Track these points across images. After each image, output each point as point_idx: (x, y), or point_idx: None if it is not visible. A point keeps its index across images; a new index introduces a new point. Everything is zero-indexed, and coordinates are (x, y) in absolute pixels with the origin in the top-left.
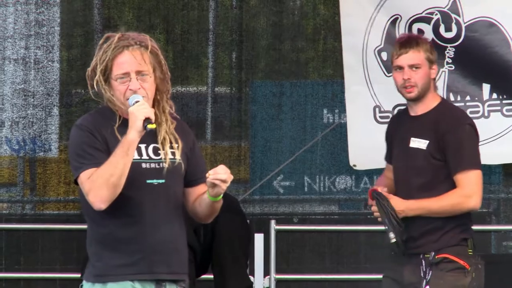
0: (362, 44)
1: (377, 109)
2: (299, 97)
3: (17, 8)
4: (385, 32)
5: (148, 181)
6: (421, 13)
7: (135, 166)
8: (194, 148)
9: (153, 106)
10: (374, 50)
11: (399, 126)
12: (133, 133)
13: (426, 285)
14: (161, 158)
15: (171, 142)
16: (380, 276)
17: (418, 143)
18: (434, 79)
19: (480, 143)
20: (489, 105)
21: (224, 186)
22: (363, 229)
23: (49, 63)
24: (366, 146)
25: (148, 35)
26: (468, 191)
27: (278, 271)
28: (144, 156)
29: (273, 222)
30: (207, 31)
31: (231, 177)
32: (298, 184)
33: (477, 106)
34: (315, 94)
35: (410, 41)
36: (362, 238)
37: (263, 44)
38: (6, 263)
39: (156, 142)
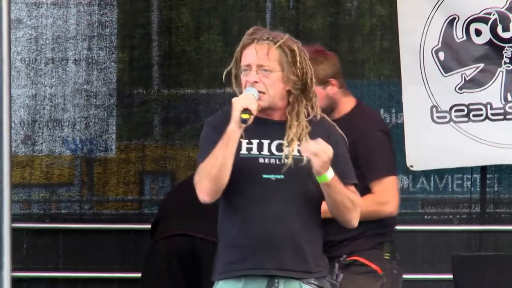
0: (419, 44)
1: (434, 109)
2: (355, 97)
3: (79, 10)
4: (442, 32)
5: (265, 176)
6: (479, 13)
7: (252, 161)
8: (336, 149)
9: (286, 109)
10: (432, 50)
11: None
12: (232, 125)
13: None
14: (283, 155)
15: (299, 141)
16: (437, 276)
17: None
18: (342, 87)
19: None
20: None
21: (318, 161)
22: (420, 229)
23: (112, 64)
24: (423, 147)
25: (206, 35)
26: (383, 198)
27: None
28: (265, 152)
29: None
30: None
31: (326, 152)
32: None
33: None
34: (371, 94)
35: None
36: (419, 238)
37: (319, 45)
38: (63, 263)
39: (283, 139)
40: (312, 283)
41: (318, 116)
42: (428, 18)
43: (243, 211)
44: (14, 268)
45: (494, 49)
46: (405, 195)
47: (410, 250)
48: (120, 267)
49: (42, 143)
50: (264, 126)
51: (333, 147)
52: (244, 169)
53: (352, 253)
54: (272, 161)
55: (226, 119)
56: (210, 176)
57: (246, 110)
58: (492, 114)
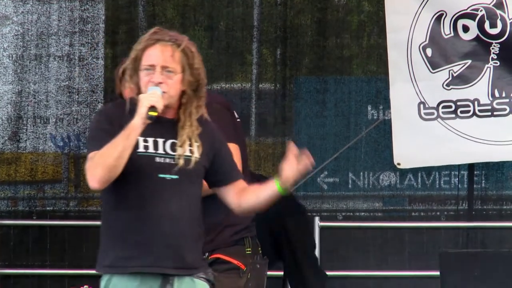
0: (407, 40)
1: (421, 106)
2: (343, 93)
3: (61, 6)
4: (429, 28)
5: (160, 175)
6: (466, 9)
7: (149, 160)
8: (221, 148)
9: (179, 109)
10: (419, 46)
11: None
12: (137, 119)
13: None
14: (176, 155)
15: (190, 141)
16: (424, 273)
17: None
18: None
19: None
20: None
21: (296, 177)
22: (407, 225)
23: (94, 60)
24: (411, 144)
25: (193, 32)
26: None
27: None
28: (160, 151)
29: (317, 219)
30: (251, 28)
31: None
32: (342, 181)
33: None
34: (359, 90)
35: None
36: (407, 235)
37: (307, 41)
38: (50, 260)
39: (176, 139)
40: (202, 277)
41: (204, 116)
42: (415, 14)
43: (138, 208)
44: (1, 265)
45: (482, 45)
46: (392, 192)
47: (397, 247)
48: None
49: (26, 140)
50: (157, 124)
51: (221, 149)
52: (141, 166)
53: (213, 251)
54: (168, 160)
55: (120, 111)
56: (106, 165)
57: (152, 108)
58: (480, 111)
